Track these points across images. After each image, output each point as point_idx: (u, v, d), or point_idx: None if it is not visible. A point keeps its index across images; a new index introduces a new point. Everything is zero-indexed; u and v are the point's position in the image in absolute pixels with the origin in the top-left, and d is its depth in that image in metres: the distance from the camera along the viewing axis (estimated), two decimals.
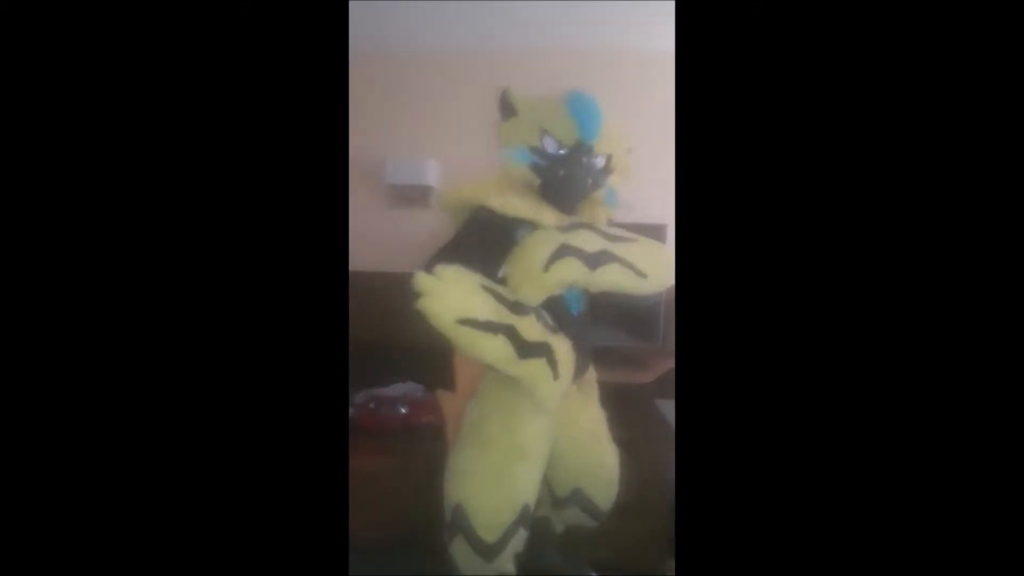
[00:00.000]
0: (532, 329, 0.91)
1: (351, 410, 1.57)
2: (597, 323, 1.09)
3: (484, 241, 0.99)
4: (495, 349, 0.89)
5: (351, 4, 0.60)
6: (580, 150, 1.00)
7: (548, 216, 1.00)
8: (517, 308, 0.92)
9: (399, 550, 1.26)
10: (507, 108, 1.05)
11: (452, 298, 0.88)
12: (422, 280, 0.87)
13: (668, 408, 1.54)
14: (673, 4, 0.56)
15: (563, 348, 0.94)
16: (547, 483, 1.07)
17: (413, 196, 1.99)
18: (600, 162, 1.04)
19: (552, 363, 0.91)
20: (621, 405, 1.17)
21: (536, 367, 0.90)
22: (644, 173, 1.23)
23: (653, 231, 1.70)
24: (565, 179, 1.01)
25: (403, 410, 1.55)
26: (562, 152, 1.00)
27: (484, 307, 0.89)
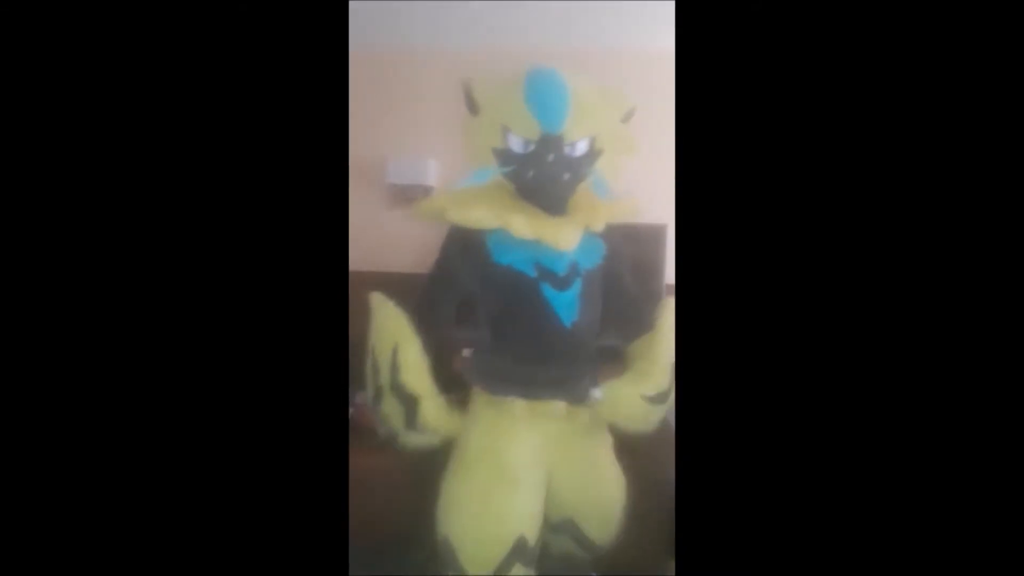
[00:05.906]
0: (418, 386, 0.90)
1: (351, 410, 1.56)
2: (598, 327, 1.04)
3: (460, 259, 0.95)
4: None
5: (351, 3, 0.60)
6: (547, 143, 0.86)
7: (521, 221, 0.88)
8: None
9: (399, 550, 1.25)
10: (471, 104, 0.93)
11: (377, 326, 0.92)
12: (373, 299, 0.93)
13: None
14: (673, 4, 0.56)
15: (433, 405, 0.91)
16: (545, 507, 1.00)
17: (413, 196, 1.99)
18: (580, 148, 0.89)
19: (409, 412, 0.90)
20: None
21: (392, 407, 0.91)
22: (644, 173, 1.22)
23: (653, 231, 1.70)
24: (536, 179, 0.89)
25: None
26: (530, 149, 0.87)
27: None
